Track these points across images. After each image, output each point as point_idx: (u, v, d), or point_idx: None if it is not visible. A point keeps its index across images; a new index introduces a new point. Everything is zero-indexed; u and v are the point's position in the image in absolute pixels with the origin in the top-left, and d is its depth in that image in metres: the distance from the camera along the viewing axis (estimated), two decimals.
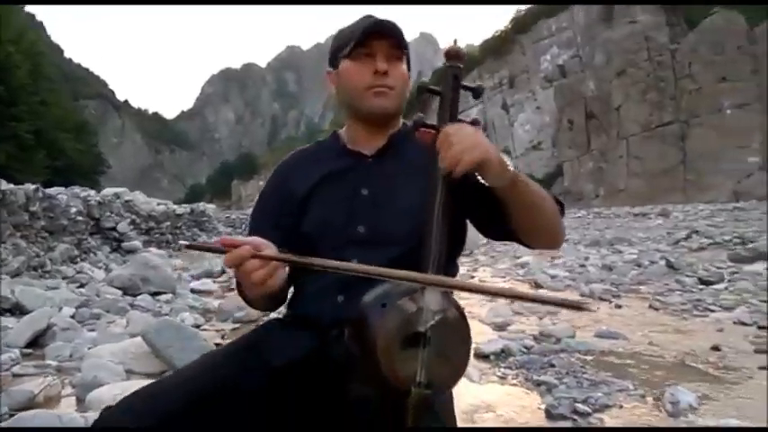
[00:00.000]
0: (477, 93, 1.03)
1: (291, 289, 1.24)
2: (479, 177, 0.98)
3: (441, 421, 1.04)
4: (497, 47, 67.62)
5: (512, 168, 0.96)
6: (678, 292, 5.96)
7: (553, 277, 7.49)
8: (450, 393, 1.12)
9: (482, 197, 1.04)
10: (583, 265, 8.90)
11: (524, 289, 6.83)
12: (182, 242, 0.90)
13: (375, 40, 1.13)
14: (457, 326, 0.90)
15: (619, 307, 5.40)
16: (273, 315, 1.31)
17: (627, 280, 7.15)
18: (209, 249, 0.96)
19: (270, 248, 0.96)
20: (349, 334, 0.95)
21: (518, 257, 9.65)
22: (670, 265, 7.63)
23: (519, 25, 67.33)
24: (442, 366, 0.87)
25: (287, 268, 1.03)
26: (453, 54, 0.99)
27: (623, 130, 45.92)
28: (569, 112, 50.39)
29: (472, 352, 3.59)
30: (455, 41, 1.01)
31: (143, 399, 1.02)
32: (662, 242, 12.28)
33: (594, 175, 47.54)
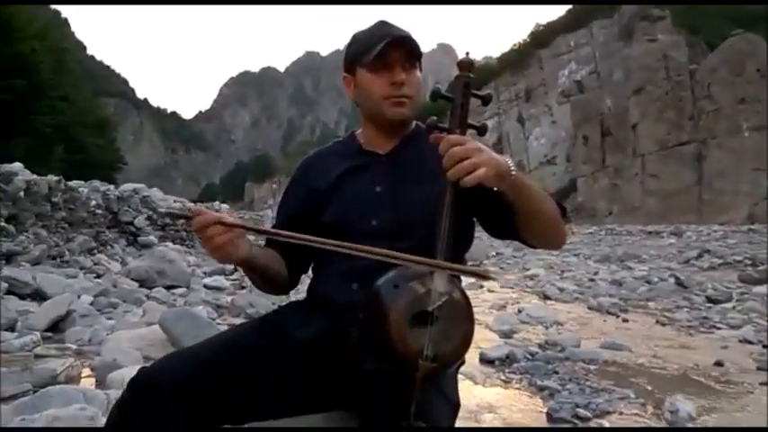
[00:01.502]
0: (485, 100, 1.11)
1: (310, 274, 1.35)
2: None
3: (446, 397, 1.13)
4: (515, 60, 67.62)
5: (513, 174, 1.03)
6: (686, 309, 5.99)
7: (562, 290, 7.53)
8: (455, 373, 1.21)
9: (488, 198, 1.13)
10: (592, 280, 8.93)
11: (534, 300, 6.88)
12: (161, 209, 1.04)
13: (392, 50, 1.20)
14: (461, 307, 1.00)
15: (626, 321, 5.44)
16: (293, 299, 1.41)
17: (635, 295, 7.18)
18: (181, 216, 1.10)
19: (233, 220, 1.06)
20: (363, 312, 1.05)
21: (527, 269, 9.69)
22: (679, 283, 7.65)
23: (538, 39, 67.34)
24: (447, 342, 0.97)
25: (250, 244, 1.13)
26: (465, 65, 1.07)
27: (639, 147, 45.70)
28: (585, 128, 50.25)
29: (478, 353, 3.68)
30: (467, 53, 1.09)
31: (180, 360, 1.13)
32: (673, 260, 12.25)
33: (609, 191, 47.28)
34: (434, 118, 1.07)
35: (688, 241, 19.23)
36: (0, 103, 21.81)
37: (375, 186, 1.25)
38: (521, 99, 62.94)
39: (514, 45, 72.54)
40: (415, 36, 1.27)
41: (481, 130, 1.07)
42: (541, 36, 67.51)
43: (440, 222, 1.03)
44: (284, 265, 1.28)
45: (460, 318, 0.99)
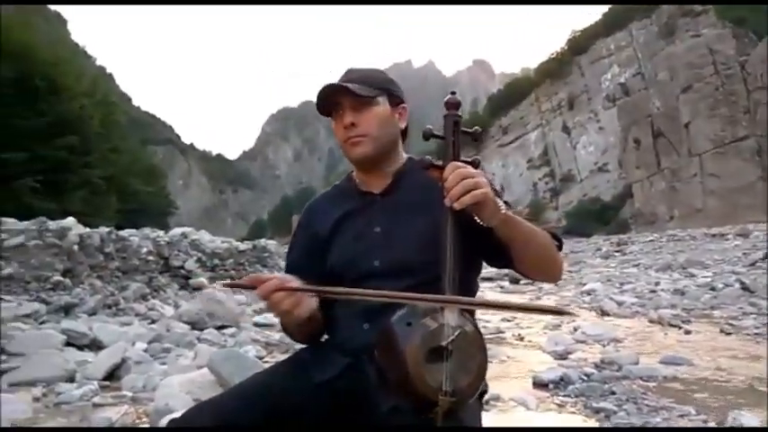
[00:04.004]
0: (474, 136, 1.15)
1: None
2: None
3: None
4: (554, 69, 66.74)
5: (503, 209, 1.08)
6: (752, 316, 5.69)
7: (620, 304, 7.28)
8: (477, 402, 1.20)
9: (483, 232, 1.15)
10: (653, 291, 8.61)
11: (591, 317, 6.67)
12: (221, 282, 1.07)
13: (339, 96, 1.25)
14: (474, 338, 1.01)
15: (688, 332, 5.21)
16: None
17: (699, 304, 6.87)
18: (243, 287, 1.15)
19: (294, 282, 1.11)
20: (378, 352, 1.06)
21: (584, 284, 9.42)
22: (745, 288, 7.28)
23: (575, 46, 66.39)
24: (464, 376, 0.98)
25: (315, 300, 1.18)
26: (453, 104, 1.12)
27: (694, 147, 44.11)
28: (635, 131, 48.94)
29: (531, 376, 3.59)
30: (453, 93, 1.14)
31: (207, 409, 1.17)
32: (738, 264, 11.68)
33: (667, 195, 45.66)
34: (429, 157, 1.12)
35: (755, 242, 18.28)
36: (55, 160, 23.09)
37: (374, 227, 1.28)
38: (564, 108, 62.03)
39: (552, 54, 71.58)
40: (372, 75, 1.31)
41: (473, 165, 1.10)
42: (579, 42, 66.51)
43: (444, 251, 1.06)
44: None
45: (474, 349, 1.01)
